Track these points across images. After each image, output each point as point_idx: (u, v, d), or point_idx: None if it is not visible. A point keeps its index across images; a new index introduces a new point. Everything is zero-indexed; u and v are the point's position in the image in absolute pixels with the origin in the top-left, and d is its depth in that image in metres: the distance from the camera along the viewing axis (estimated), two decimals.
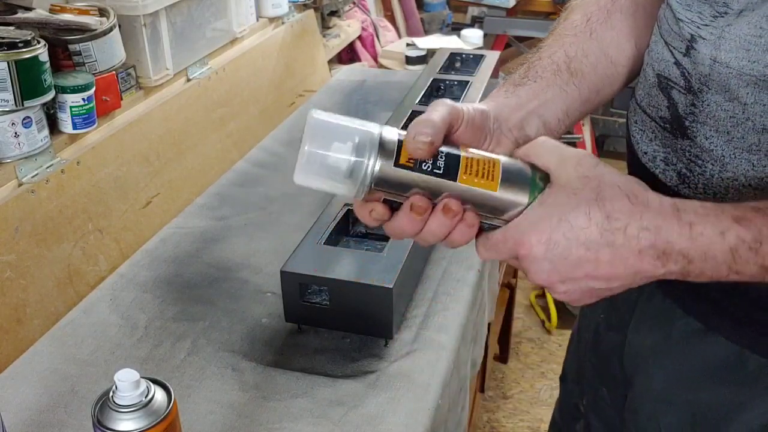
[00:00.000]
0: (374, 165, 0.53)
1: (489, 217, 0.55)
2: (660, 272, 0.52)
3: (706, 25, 0.61)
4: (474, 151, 0.56)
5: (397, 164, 0.53)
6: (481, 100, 1.43)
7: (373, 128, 0.54)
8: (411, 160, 0.53)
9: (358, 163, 0.52)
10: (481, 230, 0.57)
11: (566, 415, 0.98)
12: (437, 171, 0.53)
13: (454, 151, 0.55)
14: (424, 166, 0.53)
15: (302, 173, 0.53)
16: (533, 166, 0.56)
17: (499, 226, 0.55)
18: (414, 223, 0.54)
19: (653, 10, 0.73)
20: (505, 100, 0.66)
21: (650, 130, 0.71)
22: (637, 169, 0.73)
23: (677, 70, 0.66)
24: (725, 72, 0.60)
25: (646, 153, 0.72)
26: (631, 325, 0.78)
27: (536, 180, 0.55)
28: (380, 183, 0.53)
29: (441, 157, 0.54)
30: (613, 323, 0.82)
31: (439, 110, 0.56)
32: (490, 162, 0.55)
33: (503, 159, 0.56)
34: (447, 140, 0.56)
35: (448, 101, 0.58)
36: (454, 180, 0.53)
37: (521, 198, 0.54)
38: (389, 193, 0.55)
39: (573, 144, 3.42)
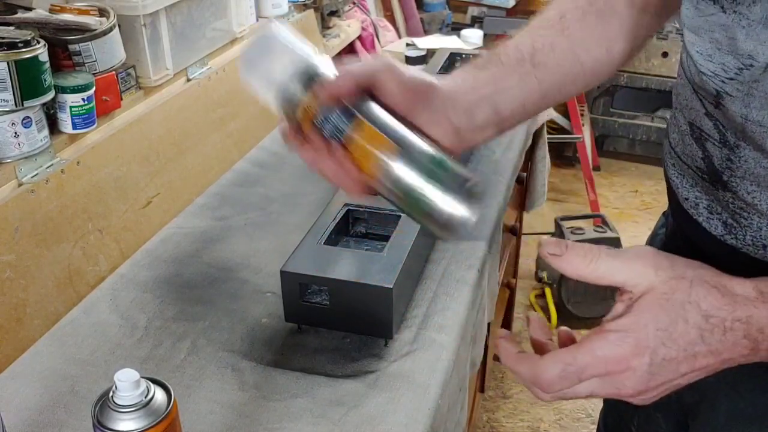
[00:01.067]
0: (296, 92, 0.58)
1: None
2: (748, 359, 0.52)
3: (731, 79, 0.58)
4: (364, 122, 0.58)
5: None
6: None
7: (313, 59, 0.59)
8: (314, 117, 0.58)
9: (285, 85, 0.58)
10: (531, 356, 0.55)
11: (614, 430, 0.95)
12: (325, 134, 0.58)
13: (346, 120, 0.58)
14: (319, 117, 0.58)
15: (244, 70, 0.62)
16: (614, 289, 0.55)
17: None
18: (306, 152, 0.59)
19: (630, 23, 0.71)
20: (461, 81, 0.65)
21: (690, 177, 0.68)
22: (681, 214, 0.71)
23: (710, 121, 0.63)
24: (759, 130, 0.57)
25: (687, 199, 0.69)
26: None
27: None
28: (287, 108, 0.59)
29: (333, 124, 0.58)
30: None
31: (369, 63, 0.59)
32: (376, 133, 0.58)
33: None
34: (374, 97, 0.59)
35: (388, 59, 0.60)
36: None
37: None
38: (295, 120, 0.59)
39: (573, 144, 3.40)
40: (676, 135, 0.70)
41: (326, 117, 0.57)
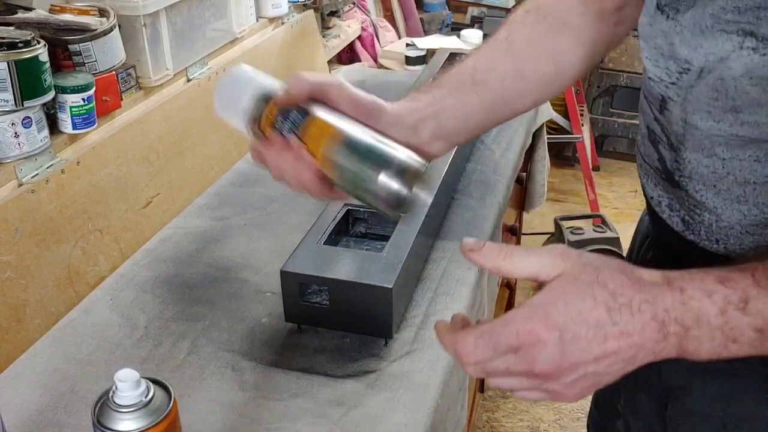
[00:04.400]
0: (256, 109, 0.67)
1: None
2: (659, 347, 0.52)
3: (673, 83, 0.62)
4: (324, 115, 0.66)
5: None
6: None
7: (273, 85, 0.68)
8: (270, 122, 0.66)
9: (249, 107, 0.67)
10: (463, 327, 0.56)
11: (605, 414, 0.98)
12: (286, 123, 0.65)
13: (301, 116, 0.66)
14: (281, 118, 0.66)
15: (218, 107, 0.71)
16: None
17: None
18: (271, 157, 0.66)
19: (585, 34, 0.75)
20: (405, 103, 0.71)
21: (652, 176, 0.72)
22: (651, 211, 0.75)
23: (658, 126, 0.67)
24: (697, 134, 0.62)
25: (652, 198, 0.73)
26: None
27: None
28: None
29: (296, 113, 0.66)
30: None
31: (323, 77, 0.66)
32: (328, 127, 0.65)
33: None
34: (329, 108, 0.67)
35: (341, 78, 0.67)
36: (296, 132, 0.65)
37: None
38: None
39: (572, 144, 3.39)
40: (640, 138, 0.74)
41: (285, 117, 0.66)
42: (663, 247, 0.77)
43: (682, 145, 0.64)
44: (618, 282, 0.52)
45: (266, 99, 0.67)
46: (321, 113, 0.66)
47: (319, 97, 0.67)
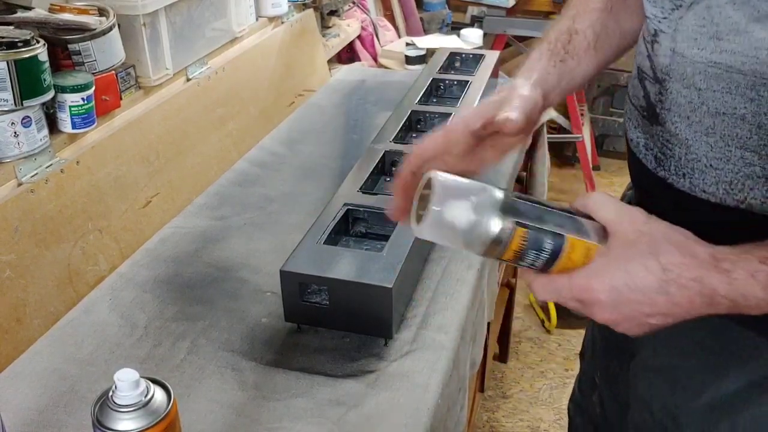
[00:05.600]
0: (491, 227, 0.57)
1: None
2: (711, 311, 0.59)
3: (666, 17, 0.68)
4: (575, 239, 0.60)
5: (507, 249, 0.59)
6: (480, 100, 1.43)
7: (495, 192, 0.59)
8: (516, 254, 0.59)
9: (477, 226, 0.57)
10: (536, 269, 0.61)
11: (584, 388, 1.05)
12: (534, 267, 0.60)
13: (558, 243, 0.59)
14: (527, 258, 0.59)
15: (428, 230, 0.58)
16: (589, 217, 0.62)
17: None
18: None
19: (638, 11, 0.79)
20: (548, 76, 0.77)
21: (635, 118, 0.78)
22: (630, 156, 0.80)
23: (647, 62, 0.73)
24: (681, 61, 0.67)
25: (632, 140, 0.79)
26: None
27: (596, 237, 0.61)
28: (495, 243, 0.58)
29: (545, 249, 0.59)
30: None
31: (520, 105, 0.68)
32: (587, 247, 0.60)
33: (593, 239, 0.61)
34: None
35: (524, 92, 0.70)
36: (549, 269, 0.61)
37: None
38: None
39: (572, 143, 3.40)
40: (629, 82, 0.81)
41: (535, 249, 0.59)
42: (639, 192, 0.84)
43: (667, 77, 0.70)
44: (670, 257, 0.58)
45: (499, 212, 0.58)
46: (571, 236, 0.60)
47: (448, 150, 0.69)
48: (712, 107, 0.66)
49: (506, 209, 0.58)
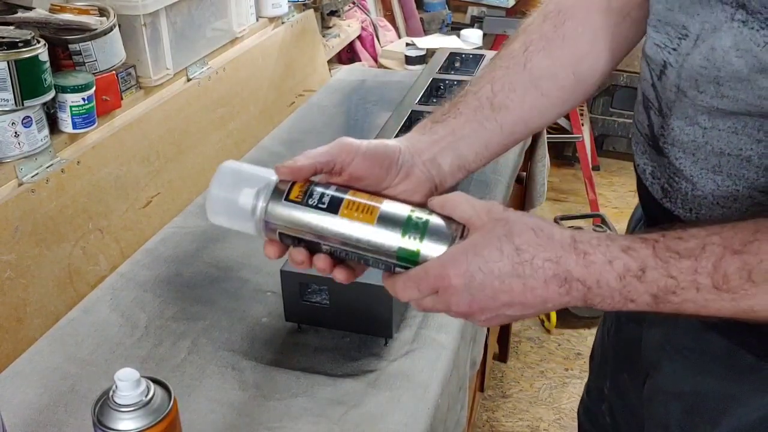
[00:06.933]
0: (266, 205, 0.60)
1: (376, 257, 0.60)
2: (565, 299, 0.56)
3: (674, 49, 0.64)
4: (360, 196, 0.61)
5: (287, 199, 0.60)
6: None
7: (271, 175, 0.62)
8: (299, 196, 0.60)
9: (253, 204, 0.61)
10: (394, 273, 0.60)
11: (593, 397, 1.03)
12: (321, 206, 0.60)
13: (340, 193, 0.61)
14: (310, 201, 0.60)
15: (211, 214, 0.63)
16: (448, 218, 0.60)
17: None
18: (304, 265, 0.62)
19: (608, 33, 0.74)
20: (420, 137, 0.69)
21: (641, 144, 0.74)
22: (638, 180, 0.77)
23: (653, 92, 0.69)
24: (685, 100, 0.64)
25: (638, 165, 0.76)
26: (647, 319, 0.80)
27: (421, 223, 0.59)
28: (273, 220, 0.60)
29: (326, 195, 0.60)
30: (632, 315, 0.83)
31: (326, 146, 0.62)
32: (369, 206, 0.60)
33: (384, 204, 0.60)
34: (338, 176, 0.62)
35: (345, 139, 0.63)
36: (336, 214, 0.59)
37: (394, 235, 0.59)
38: (285, 229, 0.61)
39: (572, 143, 3.40)
40: (636, 106, 0.76)
41: (321, 200, 0.61)
42: (648, 218, 0.81)
43: (670, 111, 0.67)
44: (525, 238, 0.56)
45: (273, 192, 0.61)
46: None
47: (326, 169, 0.63)
48: (717, 147, 0.63)
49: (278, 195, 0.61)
